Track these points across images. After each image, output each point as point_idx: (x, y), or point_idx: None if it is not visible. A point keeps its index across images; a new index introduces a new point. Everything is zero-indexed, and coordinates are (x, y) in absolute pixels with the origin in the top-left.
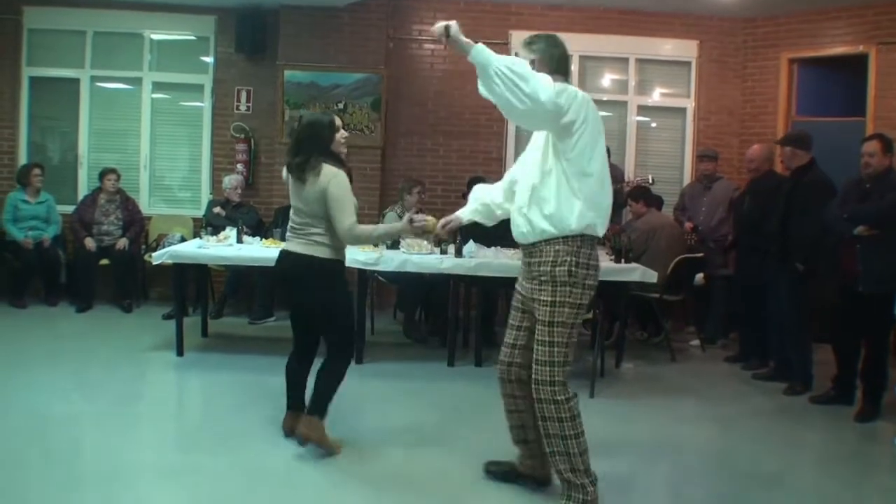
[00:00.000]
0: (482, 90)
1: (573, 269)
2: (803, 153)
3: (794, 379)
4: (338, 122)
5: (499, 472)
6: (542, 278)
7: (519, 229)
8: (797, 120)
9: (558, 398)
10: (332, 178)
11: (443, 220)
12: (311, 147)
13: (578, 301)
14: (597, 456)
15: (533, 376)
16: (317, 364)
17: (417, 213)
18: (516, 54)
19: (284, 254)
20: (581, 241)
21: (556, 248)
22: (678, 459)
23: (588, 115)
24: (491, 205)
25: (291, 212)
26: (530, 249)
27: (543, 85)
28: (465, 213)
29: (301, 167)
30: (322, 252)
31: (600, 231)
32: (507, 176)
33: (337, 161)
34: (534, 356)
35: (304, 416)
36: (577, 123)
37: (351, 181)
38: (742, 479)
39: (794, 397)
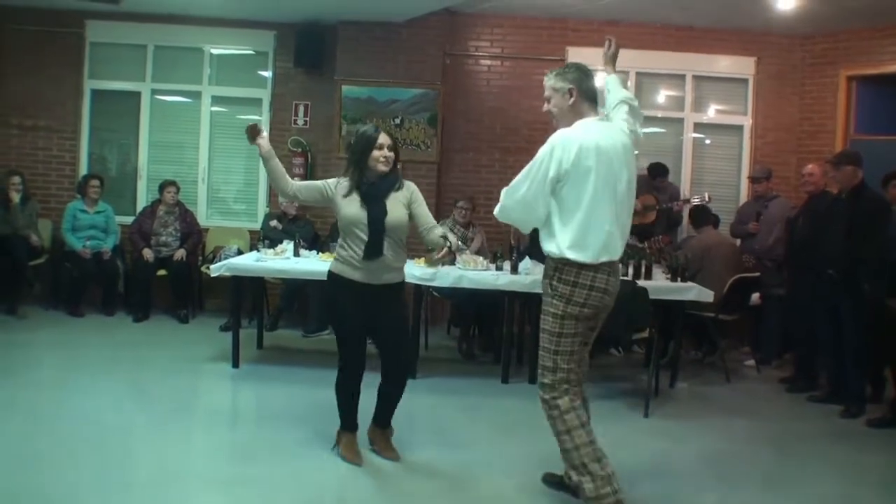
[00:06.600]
0: None
1: (554, 283)
2: (861, 171)
3: (849, 401)
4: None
5: (552, 482)
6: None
7: None
8: (855, 138)
9: (544, 397)
10: None
11: None
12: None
13: (559, 312)
14: (649, 475)
15: None
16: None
17: (467, 225)
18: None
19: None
20: (564, 263)
21: (547, 265)
22: (732, 480)
23: (570, 165)
24: None
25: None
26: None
27: None
28: None
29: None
30: None
31: (582, 257)
32: None
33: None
34: None
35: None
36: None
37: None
38: (797, 502)
39: (850, 420)
